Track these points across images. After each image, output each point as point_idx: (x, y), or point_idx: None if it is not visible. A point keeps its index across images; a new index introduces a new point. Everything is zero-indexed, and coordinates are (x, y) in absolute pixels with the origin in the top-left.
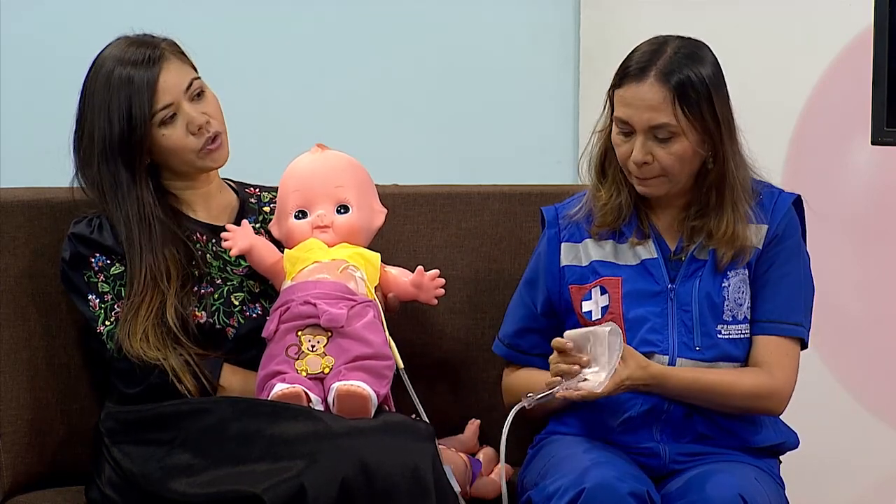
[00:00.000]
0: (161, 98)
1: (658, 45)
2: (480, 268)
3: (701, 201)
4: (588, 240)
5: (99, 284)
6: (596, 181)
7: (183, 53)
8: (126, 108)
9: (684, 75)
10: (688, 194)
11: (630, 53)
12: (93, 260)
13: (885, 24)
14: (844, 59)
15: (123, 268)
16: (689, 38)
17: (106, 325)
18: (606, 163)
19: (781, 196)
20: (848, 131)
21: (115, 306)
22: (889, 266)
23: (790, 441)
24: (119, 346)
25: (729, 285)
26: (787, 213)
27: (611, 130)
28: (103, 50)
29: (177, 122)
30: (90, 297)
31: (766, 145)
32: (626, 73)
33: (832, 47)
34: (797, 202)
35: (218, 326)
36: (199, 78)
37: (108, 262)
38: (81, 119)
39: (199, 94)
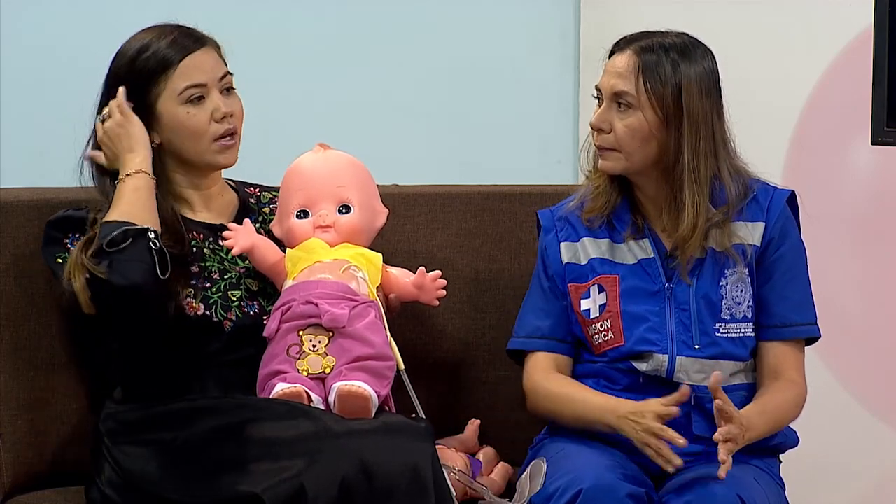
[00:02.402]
0: (195, 75)
1: (661, 32)
2: (480, 268)
3: (672, 200)
4: (585, 238)
5: None
6: (592, 167)
7: (222, 53)
8: (161, 56)
9: (659, 56)
10: (666, 192)
11: None
12: (67, 241)
13: (885, 24)
14: (844, 59)
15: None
16: (696, 40)
17: None
18: None
19: (776, 193)
20: (848, 131)
21: None
22: (889, 266)
23: (789, 440)
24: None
25: (727, 283)
26: (784, 210)
27: None
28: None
29: (204, 106)
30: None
31: (766, 145)
32: (616, 45)
33: (832, 47)
34: (791, 198)
35: (215, 319)
36: (232, 75)
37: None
38: (118, 57)
39: (229, 90)
